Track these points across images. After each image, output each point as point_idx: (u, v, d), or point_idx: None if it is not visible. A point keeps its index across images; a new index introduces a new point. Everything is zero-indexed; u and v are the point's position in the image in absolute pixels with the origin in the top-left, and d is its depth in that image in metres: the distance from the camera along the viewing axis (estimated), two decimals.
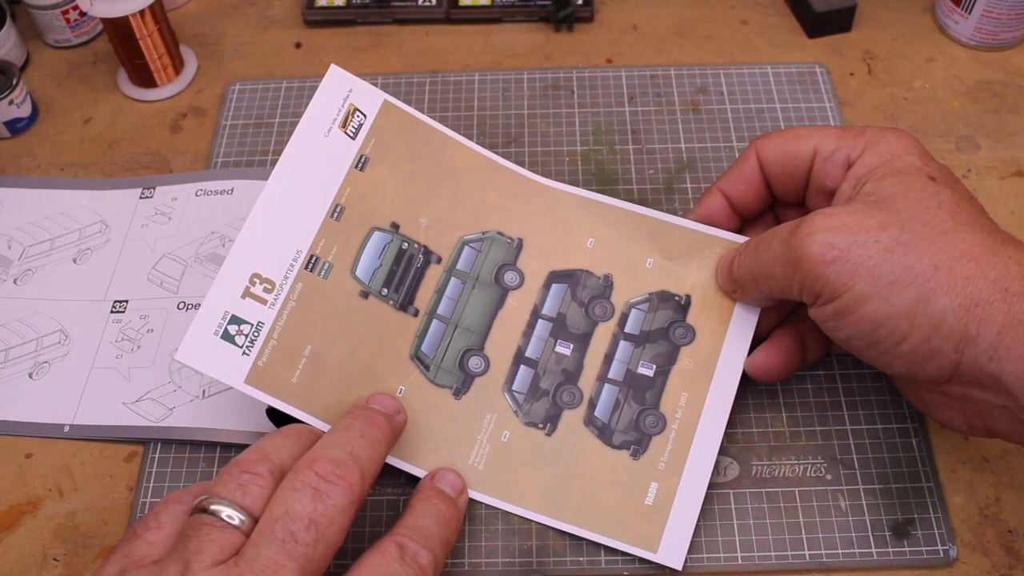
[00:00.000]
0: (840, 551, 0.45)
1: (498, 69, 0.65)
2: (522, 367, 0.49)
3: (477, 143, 0.60)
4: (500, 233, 0.52)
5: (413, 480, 0.47)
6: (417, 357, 0.49)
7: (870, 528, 0.46)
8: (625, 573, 0.45)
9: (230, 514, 0.36)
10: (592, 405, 0.49)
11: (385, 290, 0.49)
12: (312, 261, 0.47)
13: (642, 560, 0.45)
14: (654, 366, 0.49)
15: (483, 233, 0.52)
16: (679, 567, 0.45)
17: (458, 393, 0.48)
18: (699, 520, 0.46)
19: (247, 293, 0.45)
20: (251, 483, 0.37)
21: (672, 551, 0.45)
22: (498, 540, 0.46)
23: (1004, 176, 0.58)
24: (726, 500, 0.47)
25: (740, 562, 0.45)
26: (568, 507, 0.46)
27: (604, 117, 0.62)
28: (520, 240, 0.52)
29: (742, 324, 0.49)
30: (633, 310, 0.51)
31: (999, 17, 0.62)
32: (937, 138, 0.60)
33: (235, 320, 0.44)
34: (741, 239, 0.50)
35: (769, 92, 0.62)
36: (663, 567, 0.45)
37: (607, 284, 0.51)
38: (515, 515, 0.47)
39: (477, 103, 0.63)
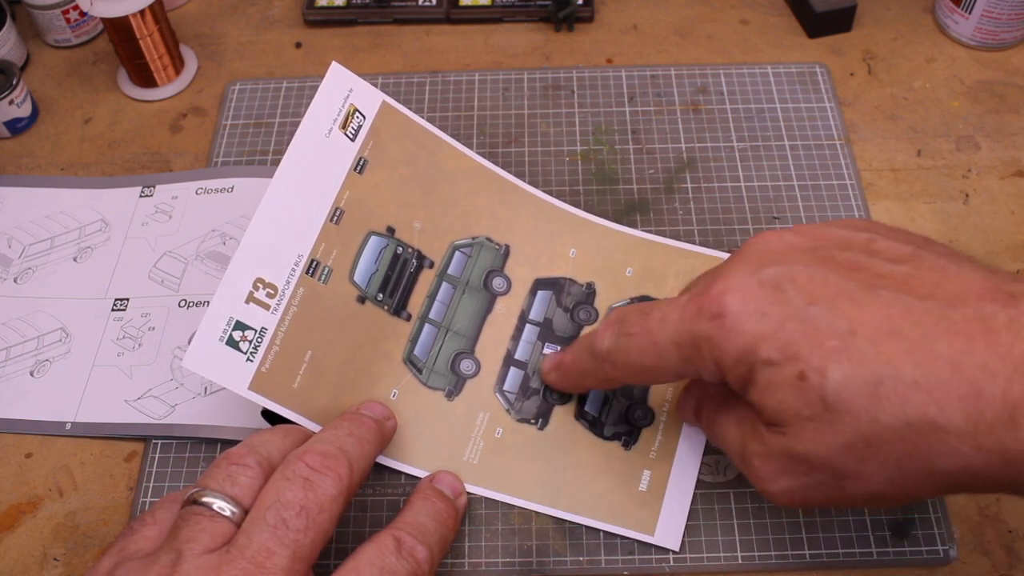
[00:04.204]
0: (840, 550, 0.45)
1: (498, 69, 0.65)
2: (512, 369, 0.50)
3: (477, 143, 0.61)
4: (488, 239, 0.52)
5: (413, 481, 0.47)
6: (410, 361, 0.49)
7: (870, 528, 0.46)
8: (625, 573, 0.45)
9: (221, 505, 0.37)
10: (582, 401, 0.49)
11: (380, 295, 0.49)
12: (313, 266, 0.47)
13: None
14: None
15: (473, 238, 0.52)
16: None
17: (451, 395, 0.49)
18: (699, 519, 0.46)
19: (251, 298, 0.45)
20: (240, 474, 0.38)
21: (669, 533, 0.46)
22: (498, 540, 0.46)
23: (1004, 176, 0.58)
24: (726, 500, 0.47)
25: (740, 562, 0.45)
26: (563, 496, 0.47)
27: (604, 117, 0.62)
28: (507, 247, 0.53)
29: None
30: None
31: (999, 17, 0.62)
32: (937, 138, 0.60)
33: (239, 326, 0.44)
34: (718, 254, 0.53)
35: (769, 92, 0.62)
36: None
37: (590, 291, 0.52)
38: (514, 513, 0.47)
39: (477, 103, 0.63)
